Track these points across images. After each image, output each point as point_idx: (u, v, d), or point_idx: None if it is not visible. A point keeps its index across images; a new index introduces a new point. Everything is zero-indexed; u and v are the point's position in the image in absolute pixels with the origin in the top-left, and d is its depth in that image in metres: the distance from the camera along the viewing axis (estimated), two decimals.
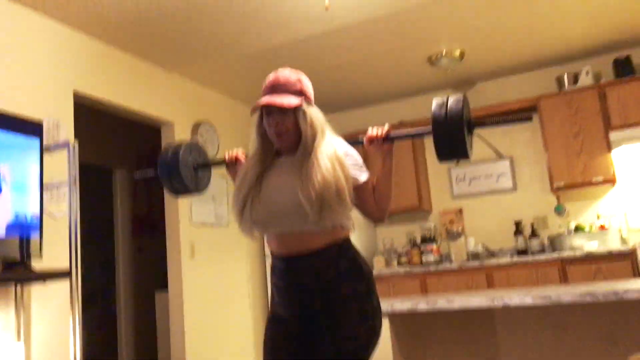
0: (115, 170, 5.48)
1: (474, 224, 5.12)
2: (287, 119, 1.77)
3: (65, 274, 2.75)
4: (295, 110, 1.77)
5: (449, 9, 3.76)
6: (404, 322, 2.90)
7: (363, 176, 1.81)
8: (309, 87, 1.85)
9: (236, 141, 5.12)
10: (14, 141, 2.75)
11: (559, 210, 4.79)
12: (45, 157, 2.91)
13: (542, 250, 4.64)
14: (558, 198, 4.81)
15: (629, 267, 4.00)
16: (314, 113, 1.81)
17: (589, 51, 4.71)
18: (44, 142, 2.91)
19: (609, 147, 4.41)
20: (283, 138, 1.79)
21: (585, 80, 4.61)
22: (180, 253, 4.17)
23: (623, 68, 4.52)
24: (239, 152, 2.07)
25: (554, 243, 4.59)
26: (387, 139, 1.82)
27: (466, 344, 2.96)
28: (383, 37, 4.10)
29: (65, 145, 2.92)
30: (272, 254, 1.87)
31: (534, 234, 4.71)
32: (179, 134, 4.39)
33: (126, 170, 5.56)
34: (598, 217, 4.59)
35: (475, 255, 4.86)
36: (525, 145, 5.02)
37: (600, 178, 4.41)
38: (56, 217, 3.16)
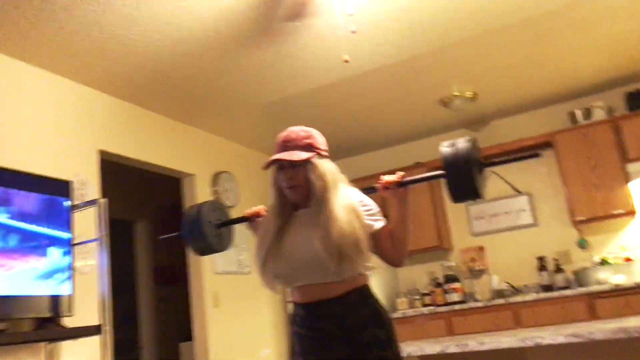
0: (136, 223, 5.56)
1: (496, 261, 5.09)
2: (297, 173, 1.83)
3: (96, 330, 2.78)
4: (305, 164, 1.83)
5: (459, 53, 3.87)
6: None
7: (379, 223, 1.86)
8: (320, 141, 1.91)
9: (255, 189, 5.20)
10: (44, 202, 2.83)
11: (582, 244, 4.76)
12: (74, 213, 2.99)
13: (568, 285, 4.59)
14: (580, 232, 4.79)
15: None
16: (326, 166, 1.86)
17: (600, 85, 4.77)
18: (73, 201, 2.99)
19: (626, 179, 4.41)
20: (296, 191, 1.85)
21: (598, 114, 4.65)
22: (204, 302, 4.19)
23: (635, 101, 4.57)
24: (260, 208, 2.12)
25: (580, 277, 4.55)
26: (402, 184, 1.86)
27: None
28: (396, 82, 4.21)
29: (94, 203, 2.99)
30: (294, 303, 1.90)
31: (558, 269, 4.67)
32: (200, 185, 4.47)
33: (147, 222, 5.64)
34: (622, 249, 4.56)
35: (499, 293, 4.81)
36: (542, 181, 5.03)
37: (620, 210, 4.40)
38: (84, 272, 3.22)
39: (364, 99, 4.47)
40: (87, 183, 3.45)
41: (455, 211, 5.36)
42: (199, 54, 3.41)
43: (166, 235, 2.69)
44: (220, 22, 3.08)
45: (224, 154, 4.88)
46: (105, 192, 3.50)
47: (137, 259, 5.47)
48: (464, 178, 1.77)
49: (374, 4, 3.09)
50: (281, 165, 1.86)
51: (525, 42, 3.82)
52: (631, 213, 4.40)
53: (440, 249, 5.10)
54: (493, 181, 5.22)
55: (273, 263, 1.83)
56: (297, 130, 1.91)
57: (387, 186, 1.87)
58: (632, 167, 4.39)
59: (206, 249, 2.18)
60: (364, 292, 1.83)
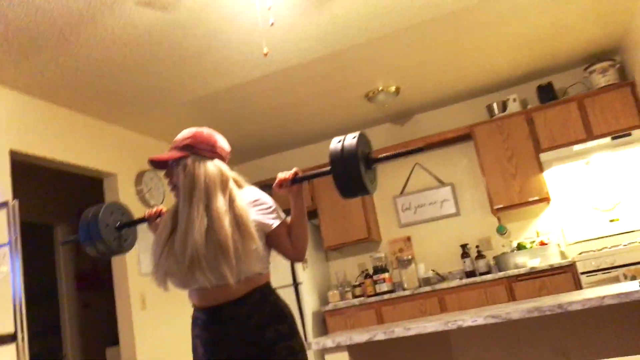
0: (56, 227, 5.30)
1: (422, 251, 5.25)
2: (171, 173, 1.86)
3: (10, 339, 2.63)
4: (177, 164, 1.83)
5: (382, 49, 3.95)
6: (362, 353, 2.93)
7: (275, 222, 1.85)
8: (202, 141, 1.87)
9: None
10: None
11: (501, 231, 4.99)
12: None
13: (489, 270, 4.80)
14: (499, 219, 5.02)
15: (571, 279, 4.20)
16: (204, 167, 1.82)
17: (514, 80, 5.01)
18: None
19: (541, 168, 4.67)
20: (174, 192, 1.86)
21: (513, 107, 4.89)
22: (131, 305, 4.06)
23: (547, 93, 4.83)
24: (160, 208, 2.11)
25: (500, 263, 4.77)
26: (295, 181, 1.87)
27: None
28: (321, 77, 4.23)
29: (4, 205, 2.83)
30: (193, 306, 1.88)
31: (480, 255, 4.87)
32: (123, 184, 4.33)
33: (67, 225, 5.39)
34: (537, 235, 4.82)
35: (426, 281, 4.96)
36: (464, 172, 5.23)
37: (535, 197, 4.65)
38: None
39: (289, 95, 4.47)
40: None
41: (383, 203, 5.47)
42: (120, 49, 3.29)
43: (66, 240, 2.60)
44: (140, 17, 2.99)
45: (147, 153, 4.72)
46: (21, 195, 3.31)
47: (58, 264, 5.22)
48: (350, 174, 1.75)
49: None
50: (164, 166, 1.88)
51: (444, 37, 3.95)
52: (546, 200, 4.65)
53: (369, 241, 5.19)
54: (419, 174, 5.39)
55: (165, 261, 1.77)
56: (185, 131, 1.91)
57: (282, 183, 1.87)
58: (545, 156, 4.64)
59: (106, 252, 2.12)
60: (265, 290, 1.84)
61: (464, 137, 5.04)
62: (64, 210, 5.32)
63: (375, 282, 5.02)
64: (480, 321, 2.61)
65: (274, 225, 1.85)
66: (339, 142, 1.81)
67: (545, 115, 4.70)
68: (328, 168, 1.82)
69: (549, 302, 2.52)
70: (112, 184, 4.28)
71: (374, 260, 5.16)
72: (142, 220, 2.13)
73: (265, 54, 2.88)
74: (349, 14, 3.39)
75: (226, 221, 1.72)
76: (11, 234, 2.72)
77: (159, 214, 2.08)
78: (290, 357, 1.77)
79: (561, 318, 2.65)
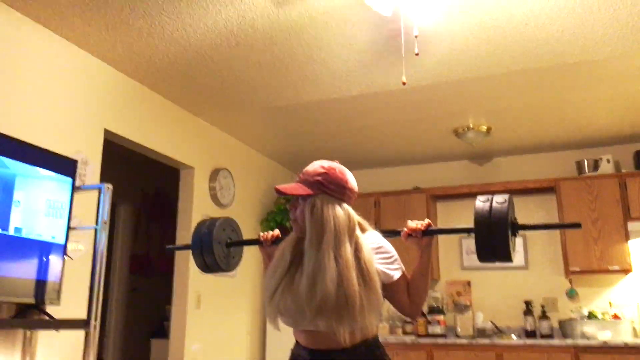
0: (119, 206, 5.32)
1: (482, 298, 5.03)
2: (297, 207, 1.77)
3: (83, 324, 2.58)
4: (304, 201, 1.74)
5: (483, 87, 3.81)
6: None
7: (397, 273, 1.75)
8: (334, 181, 1.75)
9: (251, 191, 5.05)
10: (43, 177, 2.63)
11: (571, 294, 4.74)
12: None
13: (551, 333, 4.56)
14: (570, 282, 4.77)
15: None
16: (332, 210, 1.71)
17: (611, 139, 4.78)
18: (75, 182, 2.79)
19: (627, 237, 4.41)
20: (295, 225, 1.78)
21: (606, 167, 4.65)
22: (187, 302, 4.00)
23: None
24: (276, 233, 2.02)
25: (565, 328, 4.52)
26: (426, 233, 1.77)
27: None
28: (414, 105, 4.11)
29: (98, 187, 2.80)
30: (297, 343, 1.80)
31: (544, 315, 4.64)
32: (198, 178, 4.29)
33: (130, 206, 5.41)
34: (610, 306, 4.55)
35: (481, 331, 4.75)
36: None
37: (616, 267, 4.40)
38: (73, 258, 3.01)
39: (378, 116, 4.35)
40: (88, 163, 3.24)
41: (447, 242, 5.29)
42: (222, 47, 3.24)
43: (175, 246, 2.63)
44: (260, 15, 2.93)
45: (225, 150, 4.70)
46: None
47: (116, 244, 5.23)
48: (495, 238, 1.67)
49: (437, 27, 2.99)
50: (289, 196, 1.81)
51: (550, 86, 3.79)
52: (626, 271, 4.40)
53: None
54: None
55: (281, 298, 1.70)
56: (317, 165, 1.80)
57: (411, 233, 1.77)
58: (633, 225, 4.40)
59: (213, 267, 2.07)
60: (373, 343, 1.74)
61: (547, 189, 4.82)
62: (128, 191, 5.33)
63: (429, 322, 4.84)
64: None
65: (395, 277, 1.75)
66: (487, 201, 1.71)
67: (639, 182, 4.45)
68: (469, 226, 1.73)
69: None
70: (188, 177, 4.25)
71: (431, 299, 4.98)
72: (255, 241, 2.07)
73: (404, 83, 2.78)
74: (467, 48, 3.26)
75: (354, 273, 1.64)
76: (102, 217, 2.67)
77: (275, 239, 2.00)
78: None
79: None
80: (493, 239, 1.68)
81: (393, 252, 1.78)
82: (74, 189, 2.75)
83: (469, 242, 5.19)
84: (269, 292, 1.76)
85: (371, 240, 1.77)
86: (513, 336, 4.60)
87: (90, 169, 3.24)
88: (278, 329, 1.78)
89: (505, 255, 1.69)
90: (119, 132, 3.51)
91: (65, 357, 2.90)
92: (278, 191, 1.79)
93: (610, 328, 4.30)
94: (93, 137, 3.31)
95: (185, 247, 2.26)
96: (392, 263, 1.75)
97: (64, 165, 2.74)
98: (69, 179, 2.74)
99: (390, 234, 1.84)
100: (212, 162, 4.49)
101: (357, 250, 1.69)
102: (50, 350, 2.82)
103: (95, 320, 2.58)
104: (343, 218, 1.71)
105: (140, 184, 5.47)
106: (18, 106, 2.79)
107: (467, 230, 1.80)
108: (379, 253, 1.74)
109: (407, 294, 1.78)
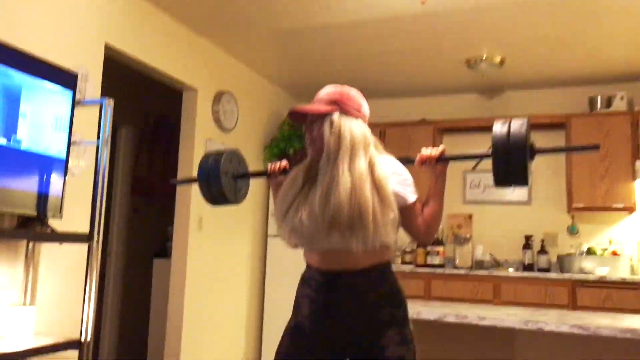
0: (120, 127, 5.24)
1: (482, 232, 5.06)
2: (315, 127, 1.74)
3: (86, 238, 2.58)
4: (323, 119, 1.73)
5: (498, 16, 3.65)
6: (418, 326, 2.83)
7: (412, 197, 1.75)
8: (350, 99, 1.76)
9: (255, 115, 4.96)
10: (44, 89, 2.55)
11: (573, 231, 4.76)
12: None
13: (548, 268, 4.61)
14: (572, 218, 4.77)
15: None
16: (350, 125, 1.71)
17: (625, 76, 4.64)
18: (76, 96, 2.71)
19: (634, 176, 4.36)
20: (312, 147, 1.77)
21: (619, 105, 4.54)
22: (189, 224, 4.02)
23: None
24: (284, 163, 1.98)
25: (563, 263, 4.56)
26: (441, 160, 1.76)
27: (482, 357, 2.89)
28: (428, 33, 3.95)
29: (100, 101, 2.72)
30: (309, 266, 1.80)
31: (543, 250, 4.67)
32: (201, 101, 4.19)
33: (132, 127, 5.33)
34: (610, 243, 4.57)
35: (480, 264, 4.81)
36: (546, 161, 4.93)
37: (620, 205, 4.38)
38: (74, 173, 2.98)
39: (389, 45, 4.20)
40: (88, 78, 3.14)
41: (450, 175, 5.21)
42: None
43: (180, 180, 2.61)
44: None
45: (229, 74, 4.58)
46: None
47: (117, 165, 5.19)
48: (514, 163, 1.65)
49: None
50: (304, 120, 1.79)
51: (566, 18, 3.64)
52: (630, 210, 4.38)
53: None
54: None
55: (295, 214, 1.71)
56: (330, 87, 1.80)
57: (426, 160, 1.76)
58: None
59: (220, 200, 2.04)
60: (386, 268, 1.75)
61: (557, 125, 4.73)
62: (130, 113, 5.24)
63: (427, 253, 4.89)
64: (564, 329, 2.46)
65: (411, 200, 1.75)
66: (505, 125, 1.68)
67: None
68: (486, 151, 1.72)
69: None
70: (191, 99, 4.16)
71: None
72: (263, 173, 2.04)
73: (423, 2, 2.64)
74: None
75: (368, 186, 1.63)
76: (103, 133, 2.61)
77: (283, 170, 1.96)
78: (403, 346, 1.69)
79: None
80: (511, 161, 1.66)
81: (408, 176, 1.78)
82: (75, 103, 2.67)
83: (473, 176, 5.16)
84: (281, 212, 1.76)
85: (387, 163, 1.76)
86: (510, 269, 4.66)
87: (91, 85, 3.15)
88: (294, 247, 1.79)
89: (522, 178, 1.68)
90: (120, 47, 3.39)
91: (68, 271, 2.92)
92: (295, 112, 1.77)
93: (609, 264, 4.33)
94: (93, 51, 3.19)
95: (191, 181, 2.22)
96: (408, 186, 1.75)
97: (64, 78, 2.64)
98: (69, 92, 2.66)
99: (403, 161, 1.82)
100: (215, 85, 4.37)
101: (371, 166, 1.68)
102: (53, 264, 2.84)
103: (98, 235, 2.57)
104: (360, 133, 1.72)
105: (143, 107, 5.36)
106: (12, 15, 2.67)
107: (483, 156, 1.78)
108: (394, 175, 1.74)
109: (422, 219, 1.77)
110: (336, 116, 1.71)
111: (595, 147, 1.79)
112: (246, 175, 2.11)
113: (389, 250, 1.76)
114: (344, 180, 1.62)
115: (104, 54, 3.28)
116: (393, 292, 1.75)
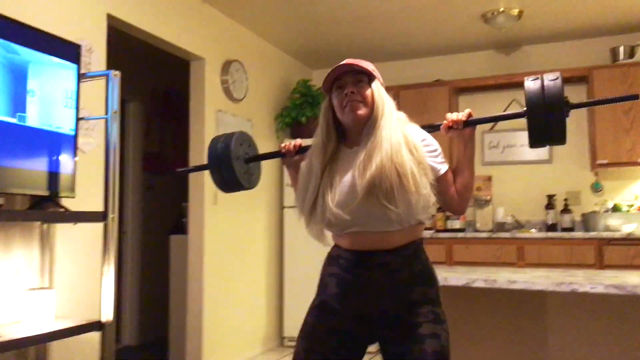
0: (129, 102, 5.14)
1: (502, 194, 4.94)
2: (363, 88, 1.66)
3: (101, 216, 2.50)
4: (370, 81, 1.68)
5: None
6: (446, 292, 2.75)
7: (444, 167, 1.68)
8: (379, 75, 1.75)
9: (265, 84, 4.83)
10: (50, 65, 2.44)
11: (597, 188, 4.62)
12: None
13: (572, 227, 4.50)
14: (596, 174, 4.63)
15: None
16: (385, 93, 1.71)
17: None
18: (80, 70, 2.60)
19: None
20: (358, 108, 1.65)
21: None
22: (204, 199, 3.94)
23: None
24: (298, 142, 1.88)
25: (588, 221, 4.44)
26: (469, 123, 1.67)
27: (512, 321, 2.82)
28: None
29: (105, 74, 2.61)
30: (338, 245, 1.73)
31: (566, 209, 4.55)
32: (210, 71, 4.06)
33: (140, 103, 5.23)
34: (636, 198, 4.44)
35: (501, 226, 4.70)
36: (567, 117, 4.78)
37: None
38: (84, 151, 2.89)
39: (399, 1, 4.02)
40: (93, 51, 3.03)
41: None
42: None
43: (188, 168, 2.59)
44: None
45: (237, 42, 4.43)
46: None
47: (127, 141, 5.11)
48: (551, 120, 1.56)
49: None
50: (340, 84, 1.68)
51: None
52: None
53: None
54: (514, 109, 4.96)
55: (324, 203, 1.62)
56: (358, 60, 1.71)
57: (452, 125, 1.66)
58: None
59: (234, 186, 1.93)
60: (419, 246, 1.69)
61: (578, 79, 4.55)
62: (138, 87, 5.13)
63: (447, 217, 4.79)
64: (600, 289, 2.36)
65: (442, 171, 1.67)
66: (537, 80, 1.58)
67: None
68: (519, 111, 1.64)
69: None
70: (199, 69, 4.02)
71: None
72: (276, 154, 1.93)
73: None
74: None
75: (403, 149, 1.59)
76: (112, 107, 2.51)
77: (299, 149, 1.85)
78: (437, 325, 1.62)
79: None
80: (549, 119, 1.56)
81: (437, 145, 1.70)
82: (80, 76, 2.56)
83: (491, 137, 5.02)
84: (307, 207, 1.67)
85: (415, 133, 1.68)
86: (533, 230, 4.55)
87: (95, 58, 3.04)
88: (324, 243, 1.73)
89: (561, 136, 1.59)
90: (123, 18, 3.26)
91: (84, 251, 2.86)
92: (348, 66, 1.67)
93: (636, 220, 4.21)
94: (96, 22, 3.07)
95: (200, 168, 2.09)
96: (437, 156, 1.68)
97: (69, 52, 2.53)
98: (74, 66, 2.55)
99: (428, 128, 1.74)
100: (224, 53, 4.23)
101: (404, 134, 1.64)
102: (69, 245, 2.78)
103: (113, 212, 2.49)
104: (392, 104, 1.71)
105: (150, 80, 5.25)
106: None
107: (517, 115, 1.69)
108: (424, 146, 1.66)
109: (454, 190, 1.70)
110: (377, 84, 1.70)
111: (635, 97, 1.68)
112: (259, 158, 1.99)
113: (422, 226, 1.71)
114: (385, 145, 1.58)
115: (107, 25, 3.15)
116: (426, 271, 1.68)
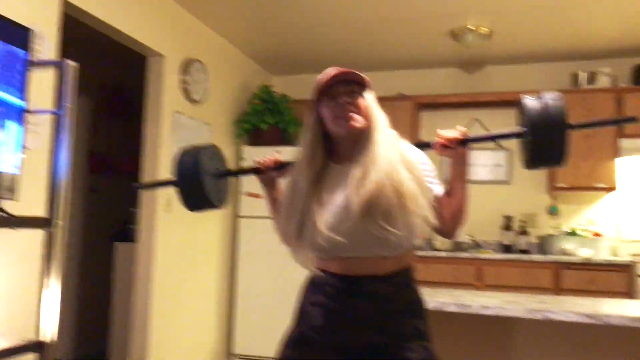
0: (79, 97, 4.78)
1: None
2: (358, 99, 1.56)
3: (45, 223, 2.22)
4: (363, 90, 1.59)
5: None
6: None
7: (439, 189, 1.59)
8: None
9: (227, 86, 4.61)
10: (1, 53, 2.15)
11: (554, 211, 4.67)
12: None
13: (528, 249, 4.52)
14: (554, 198, 4.67)
15: (625, 280, 3.92)
16: (379, 109, 1.64)
17: (609, 52, 4.53)
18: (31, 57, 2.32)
19: (615, 155, 4.29)
20: (356, 123, 1.53)
21: (603, 81, 4.44)
22: (156, 206, 3.67)
23: None
24: (276, 157, 1.73)
25: (544, 244, 4.47)
26: (464, 142, 1.56)
27: (478, 346, 2.75)
28: (408, 0, 3.70)
29: (58, 63, 2.33)
30: (322, 270, 1.56)
31: (522, 231, 4.57)
32: (168, 69, 3.81)
33: (86, 99, 4.88)
34: (590, 223, 4.50)
35: (459, 245, 4.67)
36: None
37: (602, 185, 4.30)
38: (30, 148, 2.59)
39: (369, 13, 3.91)
40: (43, 37, 2.74)
41: (428, 153, 5.06)
42: None
43: (151, 182, 2.32)
44: None
45: (198, 41, 4.19)
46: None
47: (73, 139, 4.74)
48: (552, 142, 1.49)
49: None
50: (332, 93, 1.56)
51: None
52: (611, 189, 4.31)
53: None
54: (475, 131, 4.95)
55: (312, 232, 1.47)
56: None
57: (446, 144, 1.55)
58: (625, 142, 4.27)
59: (204, 205, 1.75)
60: (410, 274, 1.58)
61: None
62: (84, 82, 4.78)
63: None
64: (574, 318, 2.34)
65: (438, 192, 1.59)
66: (538, 99, 1.51)
67: (636, 97, 4.27)
68: (517, 130, 1.56)
69: None
70: (157, 66, 3.77)
71: None
72: (252, 170, 1.74)
73: None
74: None
75: (401, 167, 1.48)
76: (66, 100, 2.24)
77: (279, 166, 1.70)
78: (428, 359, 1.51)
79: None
80: (552, 140, 1.49)
81: (431, 165, 1.62)
82: (29, 64, 2.28)
83: None
84: (295, 231, 1.51)
85: (410, 150, 1.59)
86: (490, 250, 4.54)
87: (46, 45, 2.75)
88: (309, 269, 1.57)
89: (563, 157, 1.51)
90: (79, 5, 2.98)
91: (22, 259, 2.56)
92: (343, 74, 1.55)
93: (590, 245, 4.26)
94: (48, 7, 2.78)
95: (167, 183, 1.86)
96: (434, 177, 1.60)
97: (16, 36, 2.24)
98: (22, 51, 2.27)
99: (419, 146, 1.64)
100: (183, 51, 3.99)
101: (400, 151, 1.55)
102: (5, 253, 2.47)
103: (62, 218, 2.22)
104: (386, 117, 1.64)
105: (99, 75, 4.92)
106: None
107: (515, 135, 1.60)
108: (419, 164, 1.57)
109: (447, 212, 1.57)
110: (373, 97, 1.62)
111: (633, 119, 1.65)
112: (232, 174, 1.84)
113: (414, 252, 1.61)
114: (382, 161, 1.48)
115: (60, 12, 2.87)
116: (416, 303, 1.58)
